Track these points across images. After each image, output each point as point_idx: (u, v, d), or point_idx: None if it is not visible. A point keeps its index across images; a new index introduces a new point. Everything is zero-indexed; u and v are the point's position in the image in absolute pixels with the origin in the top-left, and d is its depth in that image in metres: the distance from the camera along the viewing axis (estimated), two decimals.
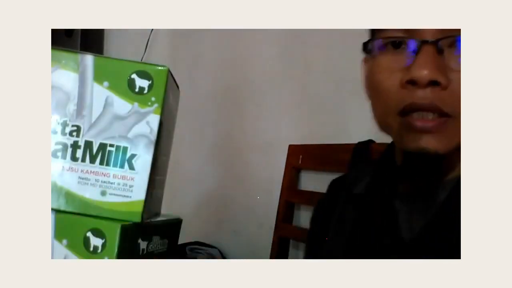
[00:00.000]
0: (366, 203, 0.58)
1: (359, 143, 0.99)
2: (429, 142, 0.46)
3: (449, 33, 0.45)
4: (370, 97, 0.53)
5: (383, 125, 0.52)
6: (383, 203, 0.55)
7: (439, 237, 0.48)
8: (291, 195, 1.18)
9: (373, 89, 0.51)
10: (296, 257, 1.20)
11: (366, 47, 0.52)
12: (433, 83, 0.45)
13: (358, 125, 1.05)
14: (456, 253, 0.38)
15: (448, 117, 0.46)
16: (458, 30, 0.44)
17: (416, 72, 0.45)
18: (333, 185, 0.70)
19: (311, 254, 0.68)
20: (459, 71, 0.45)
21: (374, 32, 0.52)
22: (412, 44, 0.47)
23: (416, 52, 0.46)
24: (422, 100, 0.46)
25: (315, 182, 1.16)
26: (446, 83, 0.45)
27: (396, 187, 0.56)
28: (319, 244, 0.64)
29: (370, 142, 0.97)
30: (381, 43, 0.49)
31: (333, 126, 1.15)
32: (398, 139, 0.50)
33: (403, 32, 0.48)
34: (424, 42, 0.46)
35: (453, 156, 0.48)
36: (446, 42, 0.46)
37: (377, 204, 0.56)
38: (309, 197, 1.13)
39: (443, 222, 0.49)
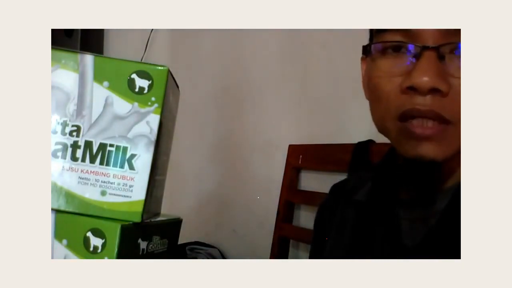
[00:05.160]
0: (368, 210, 0.57)
1: (359, 143, 0.99)
2: (427, 150, 0.46)
3: (451, 39, 0.45)
4: (370, 99, 0.53)
5: (382, 128, 0.51)
6: (385, 211, 0.55)
7: (442, 244, 0.48)
8: (291, 195, 1.18)
9: (373, 92, 0.50)
10: (296, 257, 1.20)
11: (366, 49, 0.51)
12: (434, 90, 0.44)
13: (358, 125, 1.05)
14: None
15: (448, 123, 0.45)
16: (459, 36, 0.43)
17: (416, 79, 0.44)
18: (333, 190, 0.69)
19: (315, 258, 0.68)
20: (460, 77, 0.44)
21: (374, 35, 0.51)
22: (413, 49, 0.46)
23: (417, 57, 0.45)
24: (422, 106, 0.45)
25: (315, 182, 1.16)
26: (447, 90, 0.44)
27: (397, 194, 0.55)
28: (322, 249, 0.64)
29: (370, 142, 0.98)
30: (381, 46, 0.48)
31: (333, 126, 1.15)
32: (397, 144, 0.50)
33: (403, 36, 0.47)
34: (425, 48, 0.45)
35: (452, 162, 0.47)
36: (448, 48, 0.45)
37: (379, 211, 0.56)
38: (309, 197, 1.13)
39: (445, 229, 0.48)
